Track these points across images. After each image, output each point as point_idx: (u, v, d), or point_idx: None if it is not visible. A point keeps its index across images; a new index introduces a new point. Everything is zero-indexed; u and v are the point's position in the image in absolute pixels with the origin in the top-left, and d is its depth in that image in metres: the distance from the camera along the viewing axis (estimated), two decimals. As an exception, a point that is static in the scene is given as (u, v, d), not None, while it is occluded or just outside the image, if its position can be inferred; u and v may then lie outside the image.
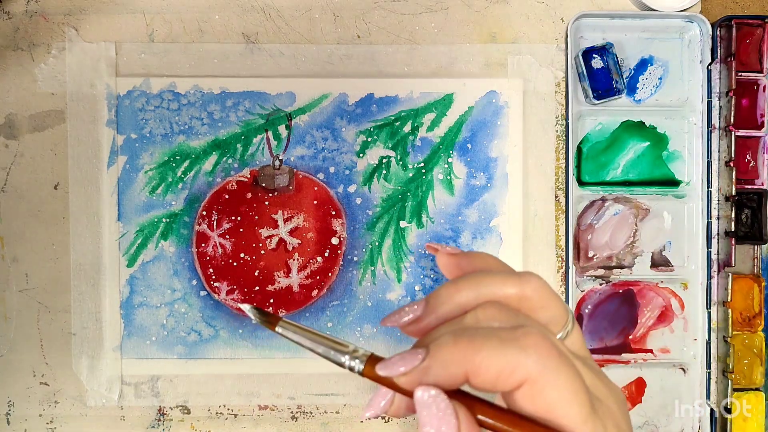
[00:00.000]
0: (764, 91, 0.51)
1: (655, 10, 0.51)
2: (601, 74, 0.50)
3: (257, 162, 0.51)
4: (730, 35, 0.51)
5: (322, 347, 0.23)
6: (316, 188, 0.51)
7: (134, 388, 0.51)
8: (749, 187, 0.52)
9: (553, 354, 0.21)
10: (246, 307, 0.25)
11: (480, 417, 0.21)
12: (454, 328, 0.22)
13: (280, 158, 0.51)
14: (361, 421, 0.52)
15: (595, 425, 0.21)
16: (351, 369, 0.23)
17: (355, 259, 0.51)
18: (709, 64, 0.51)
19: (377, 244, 0.51)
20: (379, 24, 0.51)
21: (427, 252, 0.51)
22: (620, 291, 0.52)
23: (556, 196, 0.52)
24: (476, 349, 0.20)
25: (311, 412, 0.51)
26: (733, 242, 0.51)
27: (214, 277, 0.51)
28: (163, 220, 0.51)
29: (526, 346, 0.20)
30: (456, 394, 0.22)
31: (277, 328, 0.23)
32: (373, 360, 0.22)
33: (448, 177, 0.52)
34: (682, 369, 0.52)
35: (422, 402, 0.21)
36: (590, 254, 0.52)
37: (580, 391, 0.21)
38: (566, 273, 0.51)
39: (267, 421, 0.51)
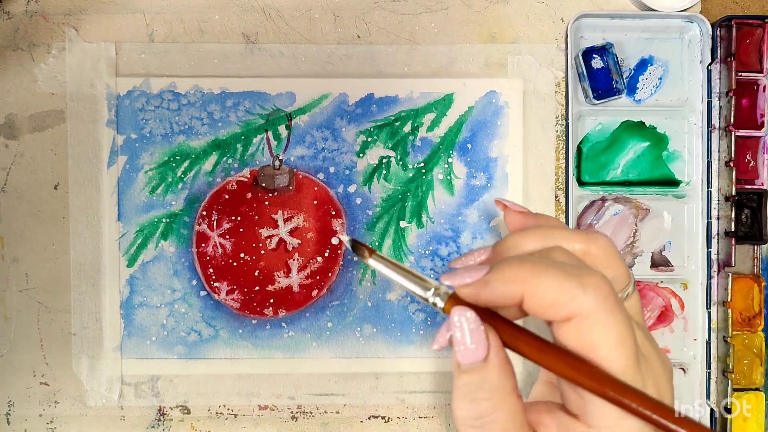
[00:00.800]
0: (764, 91, 0.51)
1: (655, 10, 0.51)
2: (601, 74, 0.50)
3: (257, 162, 0.51)
4: (730, 35, 0.51)
5: (409, 282, 0.24)
6: (316, 188, 0.51)
7: (134, 388, 0.51)
8: (749, 187, 0.52)
9: (611, 298, 0.21)
10: (345, 238, 0.28)
11: (511, 342, 0.22)
12: (523, 255, 0.23)
13: (280, 158, 0.51)
14: (361, 422, 0.52)
15: (635, 376, 0.21)
16: (434, 305, 0.24)
17: (355, 259, 0.51)
18: (709, 64, 0.51)
19: (377, 244, 0.51)
20: (379, 24, 0.51)
21: (429, 252, 0.52)
22: (620, 291, 0.52)
23: (556, 196, 0.52)
24: (539, 273, 0.21)
25: (311, 412, 0.51)
26: (733, 242, 0.51)
27: (214, 277, 0.51)
28: (163, 220, 0.51)
29: (587, 283, 0.21)
30: (489, 316, 0.22)
31: (369, 260, 0.25)
32: (453, 298, 0.23)
33: (448, 177, 0.52)
34: (682, 369, 0.52)
35: (460, 320, 0.22)
36: (590, 254, 0.52)
37: (627, 339, 0.21)
38: (566, 273, 0.51)
39: (267, 421, 0.51)
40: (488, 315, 0.23)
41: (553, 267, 0.21)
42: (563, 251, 0.23)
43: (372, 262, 0.25)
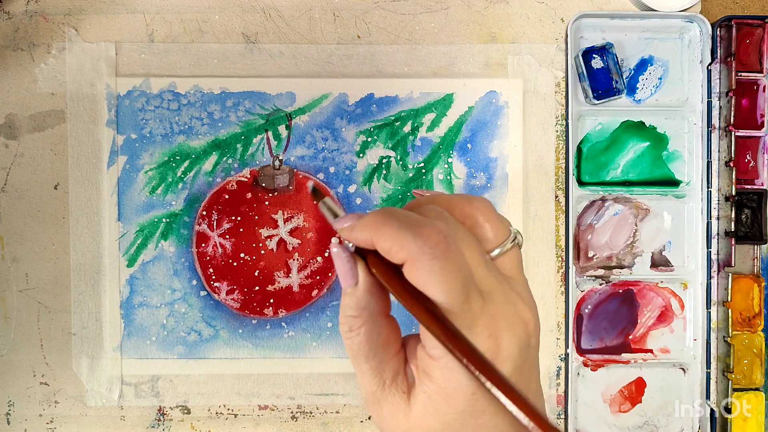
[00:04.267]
0: (764, 91, 0.51)
1: (655, 10, 0.51)
2: (601, 74, 0.50)
3: (257, 162, 0.51)
4: (730, 35, 0.51)
5: (333, 220, 0.28)
6: (316, 188, 0.51)
7: (134, 388, 0.51)
8: (749, 187, 0.52)
9: (441, 246, 0.24)
10: (309, 184, 0.33)
11: (373, 270, 0.27)
12: (387, 208, 0.27)
13: (280, 158, 0.51)
14: (361, 421, 0.52)
15: (462, 315, 0.24)
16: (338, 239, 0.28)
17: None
18: (709, 64, 0.51)
19: (377, 244, 0.51)
20: (379, 24, 0.51)
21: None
22: (620, 291, 0.52)
23: (556, 196, 0.52)
24: (382, 223, 0.25)
25: (311, 412, 0.51)
26: (733, 242, 0.51)
27: (214, 277, 0.51)
28: (163, 220, 0.51)
29: (419, 233, 0.25)
30: (376, 258, 0.27)
31: (319, 203, 0.29)
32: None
33: (448, 177, 0.52)
34: (682, 369, 0.52)
35: (333, 253, 0.27)
36: (590, 254, 0.52)
37: (450, 281, 0.24)
38: (566, 273, 0.51)
39: (267, 421, 0.51)
40: (374, 255, 0.27)
41: (395, 218, 0.25)
42: (435, 209, 0.27)
43: (320, 205, 0.29)
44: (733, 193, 0.51)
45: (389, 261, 0.26)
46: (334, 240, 0.27)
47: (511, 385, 0.23)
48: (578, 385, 0.52)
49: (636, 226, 0.52)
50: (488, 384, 0.23)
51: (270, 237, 0.51)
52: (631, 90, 0.52)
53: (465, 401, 0.25)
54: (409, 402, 0.27)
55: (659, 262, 0.52)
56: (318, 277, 0.51)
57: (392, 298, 0.27)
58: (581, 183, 0.52)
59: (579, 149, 0.52)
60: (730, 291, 0.51)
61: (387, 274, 0.27)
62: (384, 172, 0.52)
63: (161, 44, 0.51)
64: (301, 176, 0.51)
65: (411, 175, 0.52)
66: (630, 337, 0.52)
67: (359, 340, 0.27)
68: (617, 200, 0.52)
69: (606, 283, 0.52)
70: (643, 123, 0.52)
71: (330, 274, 0.51)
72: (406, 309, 0.25)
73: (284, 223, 0.51)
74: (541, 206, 0.52)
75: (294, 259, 0.51)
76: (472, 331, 0.25)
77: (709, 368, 0.52)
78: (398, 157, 0.52)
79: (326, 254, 0.51)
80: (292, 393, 0.51)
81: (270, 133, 0.51)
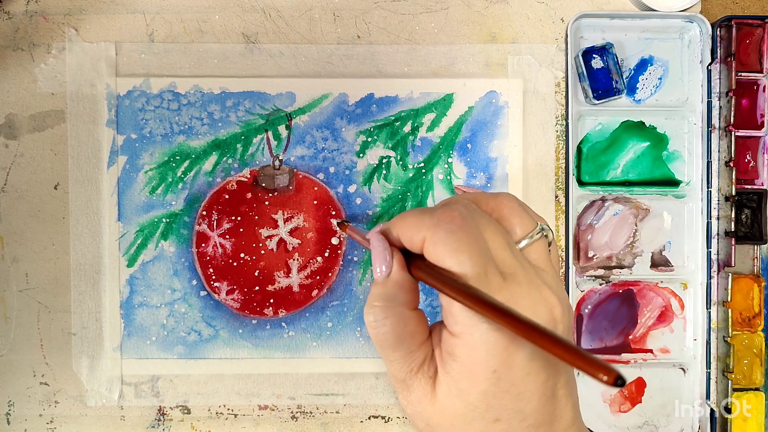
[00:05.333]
0: (764, 91, 0.51)
1: (655, 10, 0.51)
2: (601, 74, 0.50)
3: (257, 162, 0.51)
4: (730, 35, 0.51)
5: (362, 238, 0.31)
6: (316, 188, 0.51)
7: (134, 388, 0.51)
8: (749, 187, 0.52)
9: (455, 221, 0.26)
10: (335, 221, 0.38)
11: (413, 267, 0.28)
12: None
13: (280, 158, 0.51)
14: (361, 422, 0.52)
15: (479, 283, 0.25)
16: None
17: (355, 259, 0.51)
18: (709, 65, 0.51)
19: (377, 244, 0.51)
20: (379, 24, 0.51)
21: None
22: (620, 291, 0.52)
23: (556, 196, 0.52)
24: (403, 216, 0.27)
25: (311, 412, 0.51)
26: (733, 242, 0.51)
27: (214, 277, 0.51)
28: (163, 220, 0.51)
29: (433, 213, 0.26)
30: (412, 256, 0.28)
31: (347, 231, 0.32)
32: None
33: (448, 177, 0.52)
34: (682, 369, 0.52)
35: (371, 240, 0.29)
36: (590, 254, 0.52)
37: (467, 251, 0.25)
38: (566, 273, 0.51)
39: (267, 421, 0.51)
40: (407, 252, 0.28)
41: (416, 210, 0.27)
42: (461, 200, 0.28)
43: (348, 231, 0.31)
44: (733, 193, 0.51)
45: (422, 258, 0.27)
46: (375, 228, 0.29)
47: (540, 328, 0.22)
48: (578, 385, 0.52)
49: (636, 226, 0.52)
50: (515, 334, 0.23)
51: (270, 237, 0.51)
52: (631, 90, 0.52)
53: (487, 379, 0.25)
54: (434, 387, 0.27)
55: (659, 262, 0.52)
56: (318, 277, 0.51)
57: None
58: (581, 183, 0.52)
59: (579, 149, 0.52)
60: (730, 291, 0.51)
61: (422, 265, 0.27)
62: (384, 172, 0.52)
63: (161, 44, 0.51)
64: (301, 176, 0.51)
65: (411, 175, 0.52)
66: (630, 337, 0.52)
67: (384, 330, 0.28)
68: (617, 200, 0.52)
69: (606, 283, 0.52)
70: (643, 123, 0.52)
71: (330, 274, 0.51)
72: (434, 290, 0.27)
73: (284, 223, 0.51)
74: (541, 206, 0.52)
75: (294, 259, 0.51)
76: None
77: (709, 368, 0.52)
78: (398, 157, 0.52)
79: (326, 254, 0.51)
80: (292, 393, 0.51)
81: (270, 133, 0.51)
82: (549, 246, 0.29)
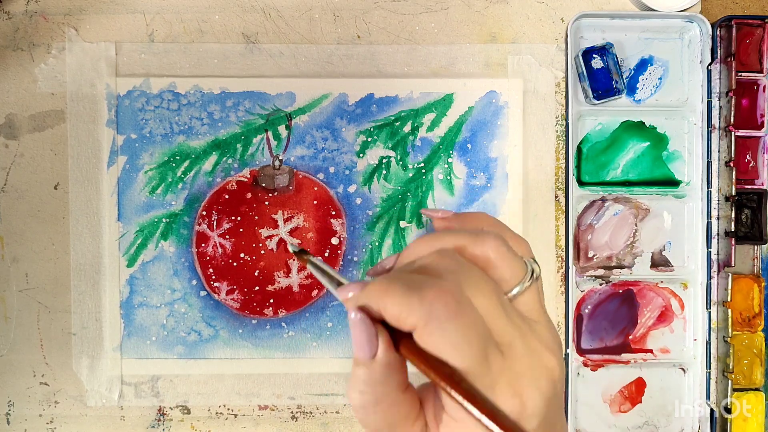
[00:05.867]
0: (764, 91, 0.51)
1: (655, 10, 0.51)
2: (601, 74, 0.50)
3: (257, 162, 0.51)
4: (730, 35, 0.51)
5: (330, 284, 0.27)
6: (316, 188, 0.51)
7: (134, 388, 0.51)
8: (749, 187, 0.52)
9: (449, 306, 0.23)
10: (291, 244, 0.32)
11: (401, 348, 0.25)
12: (392, 272, 0.26)
13: (280, 158, 0.51)
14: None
15: (481, 376, 0.23)
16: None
17: (355, 259, 0.51)
18: (709, 64, 0.51)
19: (377, 244, 0.51)
20: (379, 24, 0.51)
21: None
22: (620, 291, 0.52)
23: (556, 196, 0.52)
24: (385, 291, 0.24)
25: (311, 412, 0.51)
26: (733, 242, 0.51)
27: (214, 277, 0.51)
28: (163, 220, 0.51)
29: (424, 296, 0.23)
30: (391, 329, 0.25)
31: (308, 265, 0.28)
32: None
33: (448, 177, 0.52)
34: (682, 369, 0.52)
35: (352, 321, 0.25)
36: (590, 254, 0.52)
37: (468, 341, 0.23)
38: (566, 273, 0.51)
39: (267, 421, 0.51)
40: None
41: (399, 283, 0.24)
42: (437, 255, 0.25)
43: (309, 266, 0.28)
44: (733, 193, 0.51)
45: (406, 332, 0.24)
46: (350, 298, 0.25)
47: None
48: (578, 385, 0.52)
49: (636, 226, 0.52)
50: None
51: (270, 237, 0.51)
52: (631, 90, 0.52)
53: None
54: None
55: (659, 262, 0.52)
56: (318, 277, 0.51)
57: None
58: (581, 183, 0.52)
59: (579, 149, 0.52)
60: (730, 291, 0.51)
61: (410, 346, 0.24)
62: (384, 172, 0.52)
63: (161, 44, 0.51)
64: (301, 176, 0.51)
65: (411, 175, 0.52)
66: (630, 337, 0.52)
67: (375, 418, 0.25)
68: (617, 200, 0.52)
69: (606, 283, 0.52)
70: (643, 123, 0.52)
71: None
72: (424, 376, 0.24)
73: (284, 223, 0.51)
74: (541, 206, 0.52)
75: (294, 259, 0.51)
76: (494, 391, 0.23)
77: (709, 368, 0.52)
78: (398, 157, 0.52)
79: (326, 254, 0.51)
80: (292, 393, 0.51)
81: (270, 133, 0.51)
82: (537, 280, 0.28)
